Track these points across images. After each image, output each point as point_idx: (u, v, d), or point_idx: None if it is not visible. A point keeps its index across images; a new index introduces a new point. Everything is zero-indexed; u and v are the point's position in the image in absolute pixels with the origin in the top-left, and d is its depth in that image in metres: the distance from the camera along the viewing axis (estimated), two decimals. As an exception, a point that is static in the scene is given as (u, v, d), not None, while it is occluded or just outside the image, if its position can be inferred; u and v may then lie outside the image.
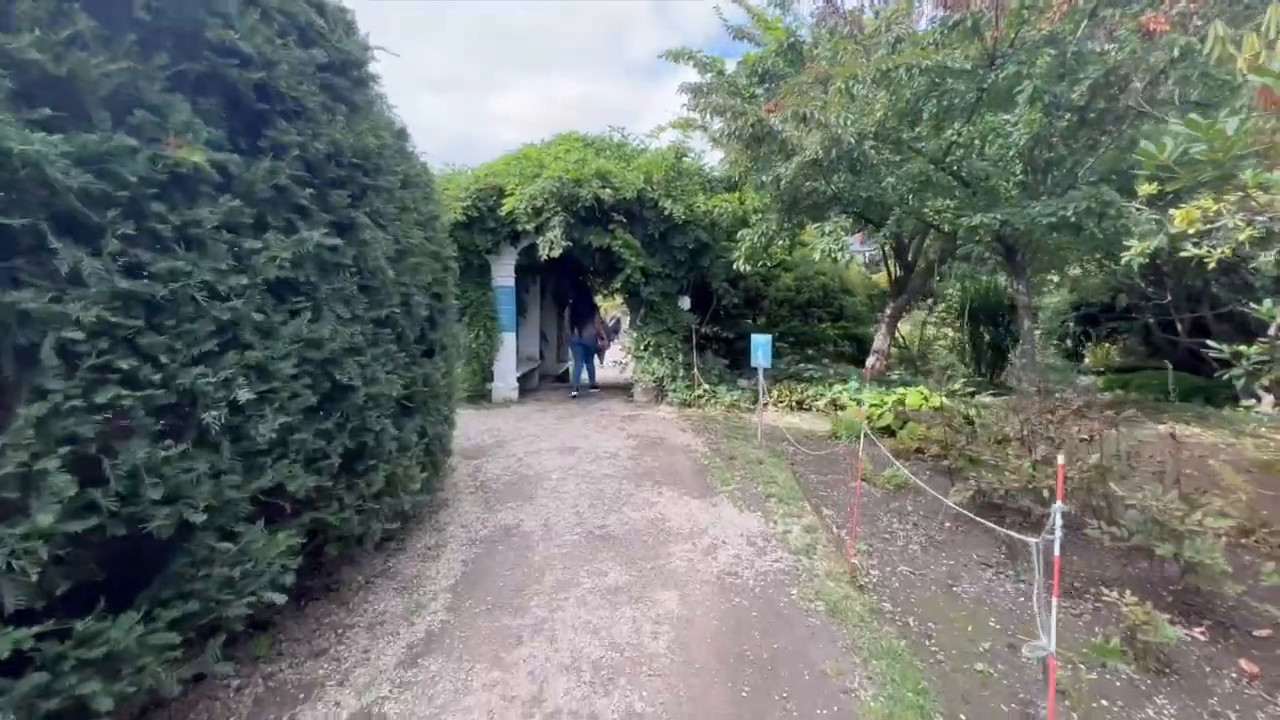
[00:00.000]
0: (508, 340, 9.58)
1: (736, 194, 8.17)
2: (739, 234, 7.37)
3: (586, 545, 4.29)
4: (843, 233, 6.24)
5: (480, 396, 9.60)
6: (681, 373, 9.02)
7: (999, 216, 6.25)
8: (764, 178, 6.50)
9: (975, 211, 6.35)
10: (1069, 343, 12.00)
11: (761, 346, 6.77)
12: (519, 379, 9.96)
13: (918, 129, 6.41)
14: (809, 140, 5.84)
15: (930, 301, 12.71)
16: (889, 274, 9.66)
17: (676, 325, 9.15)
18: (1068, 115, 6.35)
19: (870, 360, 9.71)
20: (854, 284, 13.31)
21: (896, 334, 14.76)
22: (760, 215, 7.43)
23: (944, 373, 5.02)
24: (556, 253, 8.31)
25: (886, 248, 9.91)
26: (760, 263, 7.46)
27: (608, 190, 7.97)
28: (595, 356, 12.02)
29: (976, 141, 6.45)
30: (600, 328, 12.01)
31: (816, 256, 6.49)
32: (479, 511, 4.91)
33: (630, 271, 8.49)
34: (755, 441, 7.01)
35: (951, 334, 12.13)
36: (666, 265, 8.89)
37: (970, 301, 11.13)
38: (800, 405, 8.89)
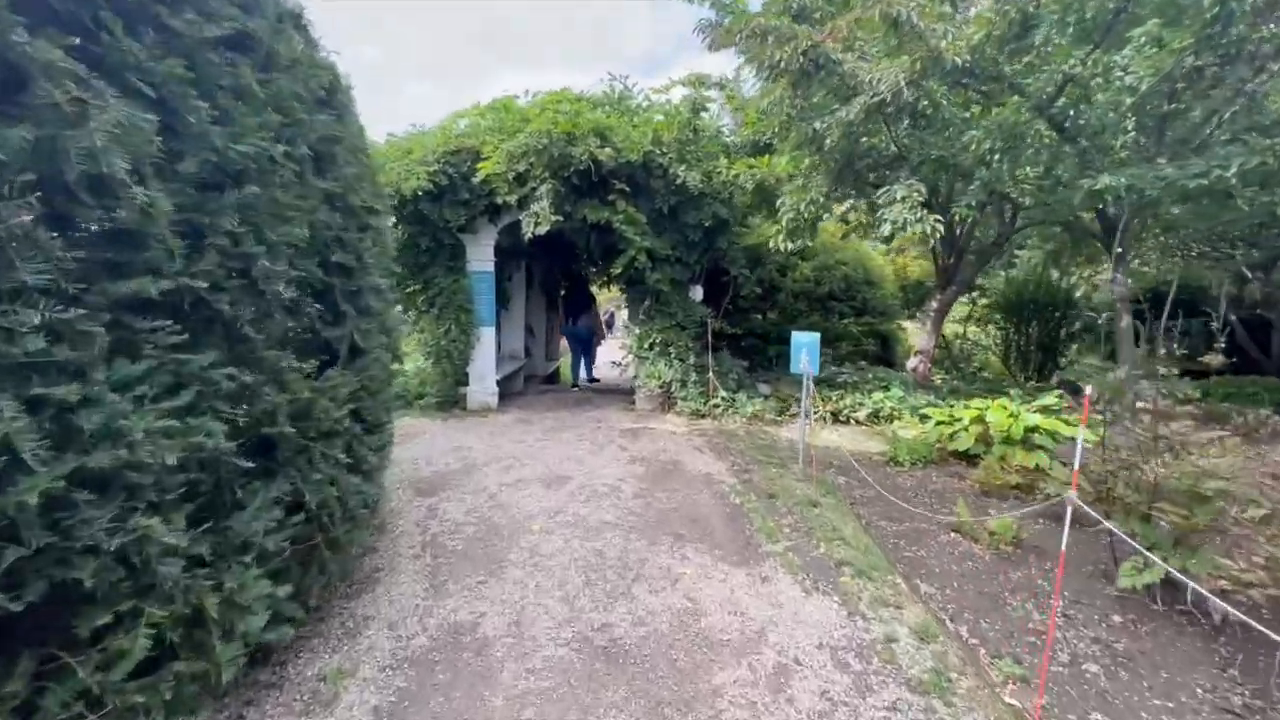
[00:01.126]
0: (486, 336, 7.87)
1: (766, 159, 6.52)
2: (780, 201, 5.66)
3: (581, 669, 2.62)
4: (919, 200, 4.63)
5: (452, 403, 7.89)
6: (694, 377, 7.36)
7: (1123, 179, 4.63)
8: (816, 125, 4.83)
9: (1095, 172, 4.72)
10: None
11: (807, 348, 5.13)
12: (500, 381, 8.27)
13: (1025, 59, 4.77)
14: (888, 72, 4.18)
15: (973, 295, 11.12)
16: (936, 261, 8.08)
17: (687, 320, 7.48)
18: (1207, 51, 4.74)
19: (913, 362, 8.12)
20: (877, 274, 11.70)
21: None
22: (801, 182, 5.75)
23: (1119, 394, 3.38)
24: (543, 229, 6.60)
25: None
26: (801, 239, 5.81)
27: (607, 151, 6.25)
28: (593, 348, 10.43)
29: (1098, 80, 4.81)
30: (595, 320, 10.37)
31: (886, 230, 4.84)
32: (420, 594, 3.23)
33: (634, 253, 6.80)
34: (796, 469, 5.38)
35: (994, 330, 10.54)
36: (677, 247, 7.21)
37: (1017, 294, 9.56)
38: (836, 417, 7.26)
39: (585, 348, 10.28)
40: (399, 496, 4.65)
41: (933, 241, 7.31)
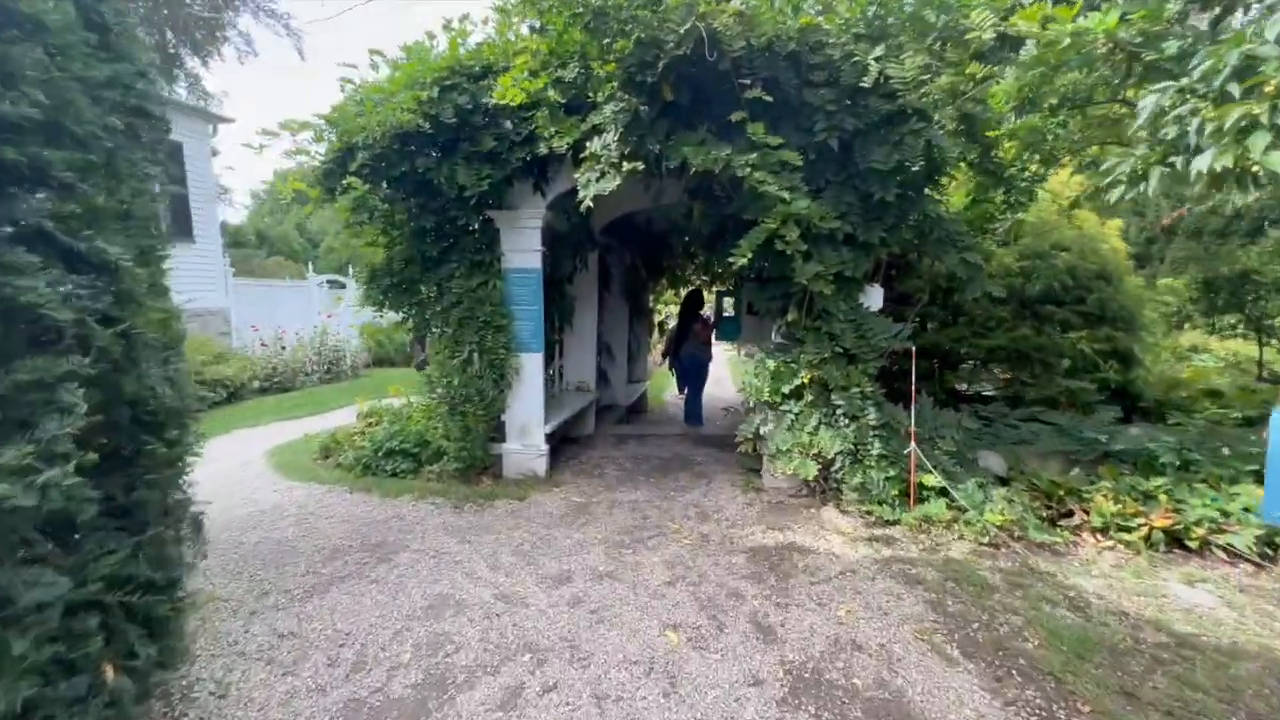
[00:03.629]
0: (530, 368, 4.91)
1: (1074, 7, 3.01)
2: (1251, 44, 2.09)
3: None
4: None
5: (481, 469, 4.99)
6: (876, 448, 3.91)
7: None
8: None
9: None
10: None
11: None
12: (561, 425, 5.29)
13: None
14: None
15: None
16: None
17: (862, 345, 4.05)
18: None
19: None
20: (1114, 264, 7.52)
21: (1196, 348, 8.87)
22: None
23: None
24: (611, 186, 3.49)
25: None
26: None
27: (730, 10, 2.98)
28: (704, 381, 7.34)
29: None
30: (702, 332, 7.24)
31: None
32: None
33: (775, 226, 3.49)
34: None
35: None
36: (848, 213, 3.82)
37: None
38: (1172, 538, 3.54)
39: (696, 380, 7.18)
40: None
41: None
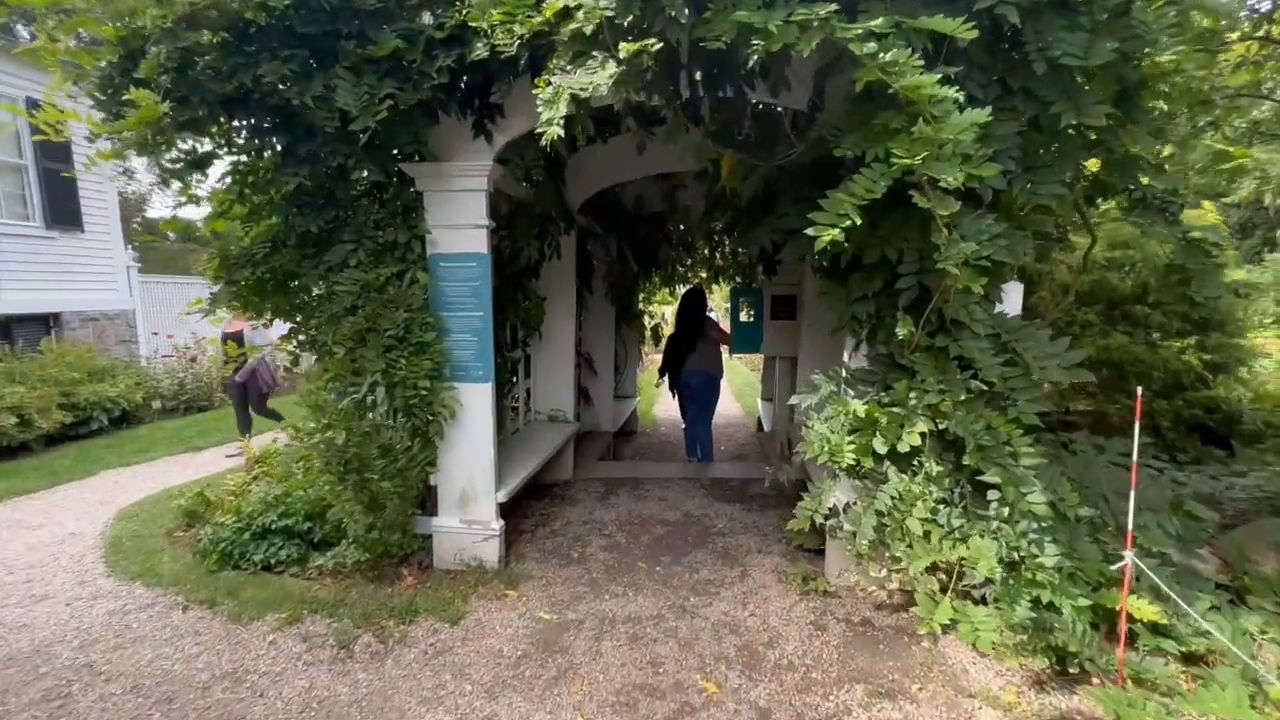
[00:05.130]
0: (473, 405, 3.14)
1: None
2: None
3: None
4: None
5: (399, 558, 3.23)
6: (1049, 552, 2.24)
7: None
8: None
9: None
10: None
11: None
12: (516, 490, 3.52)
13: None
14: None
15: None
16: None
17: (1014, 377, 2.39)
18: None
19: None
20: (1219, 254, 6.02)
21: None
22: None
23: None
24: (601, 82, 1.77)
25: None
26: None
27: None
28: (714, 403, 5.56)
29: None
30: (717, 336, 5.48)
31: None
32: None
33: (910, 159, 1.79)
34: None
35: None
36: (1003, 151, 2.13)
37: None
38: None
39: (705, 403, 5.41)
40: None
41: None
